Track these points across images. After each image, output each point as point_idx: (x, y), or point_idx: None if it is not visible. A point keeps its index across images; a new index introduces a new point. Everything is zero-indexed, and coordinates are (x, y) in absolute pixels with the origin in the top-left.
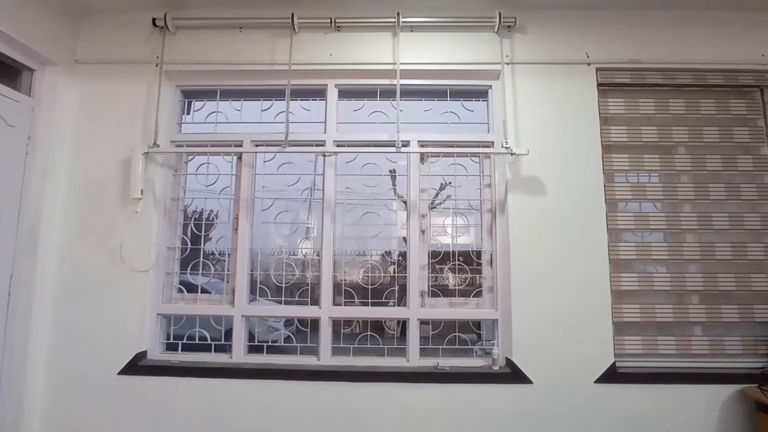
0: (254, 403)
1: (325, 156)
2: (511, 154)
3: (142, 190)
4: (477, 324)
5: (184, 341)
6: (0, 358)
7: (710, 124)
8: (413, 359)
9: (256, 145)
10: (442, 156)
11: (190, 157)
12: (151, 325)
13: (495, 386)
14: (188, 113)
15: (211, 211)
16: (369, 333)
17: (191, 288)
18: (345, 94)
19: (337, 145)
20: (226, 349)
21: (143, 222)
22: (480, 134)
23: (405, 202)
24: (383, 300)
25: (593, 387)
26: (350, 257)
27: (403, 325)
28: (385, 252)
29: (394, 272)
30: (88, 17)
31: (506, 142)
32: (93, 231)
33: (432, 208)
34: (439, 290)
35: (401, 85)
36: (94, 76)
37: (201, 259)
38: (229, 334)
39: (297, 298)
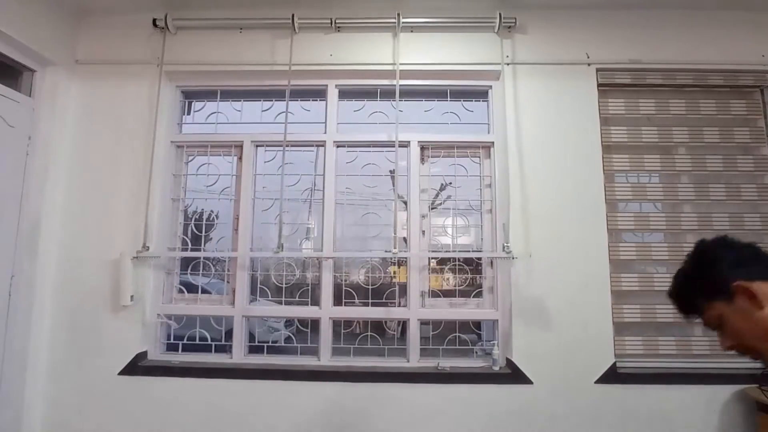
0: (254, 404)
1: (321, 261)
2: (513, 258)
3: (132, 296)
4: (477, 324)
5: (185, 341)
6: (0, 358)
7: (710, 125)
8: (413, 359)
9: (257, 146)
10: (442, 156)
11: (191, 157)
12: (152, 326)
13: (495, 386)
14: (188, 113)
15: (212, 211)
16: (369, 333)
17: (191, 288)
18: (345, 94)
19: (338, 146)
20: (226, 349)
21: (131, 319)
22: (480, 134)
23: (405, 203)
24: (383, 300)
25: (594, 387)
26: (350, 257)
27: (403, 325)
28: (385, 252)
29: (394, 273)
30: (89, 18)
31: (507, 246)
32: (93, 230)
33: (432, 209)
34: (440, 291)
35: (401, 85)
36: (95, 77)
37: (201, 259)
38: (229, 334)
39: (297, 299)
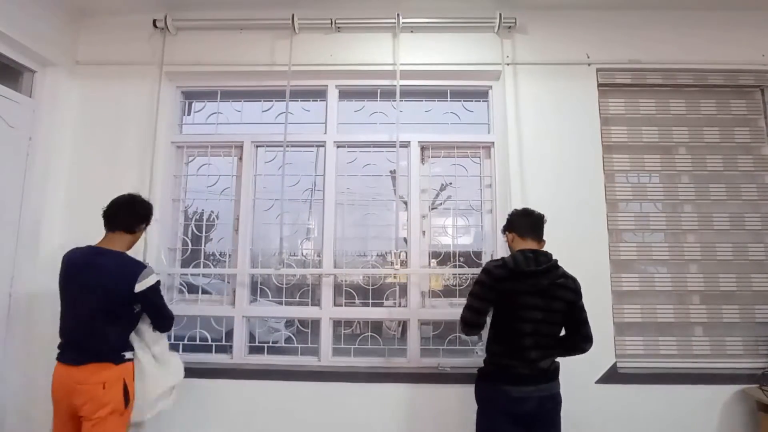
0: (255, 404)
1: (321, 277)
2: None
3: None
4: None
5: (185, 342)
6: (2, 359)
7: (711, 125)
8: (414, 360)
9: (257, 146)
10: (443, 156)
11: (191, 158)
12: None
13: None
14: (189, 114)
15: (212, 212)
16: (370, 333)
17: (192, 289)
18: (345, 94)
19: (338, 146)
20: (226, 349)
21: None
22: (480, 135)
23: (405, 203)
24: (384, 300)
25: (594, 387)
26: (351, 258)
27: (403, 325)
28: (386, 252)
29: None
30: (89, 18)
31: None
32: (94, 231)
33: (432, 209)
34: (440, 291)
35: (402, 85)
36: (95, 77)
37: (202, 259)
38: (229, 334)
39: (298, 299)
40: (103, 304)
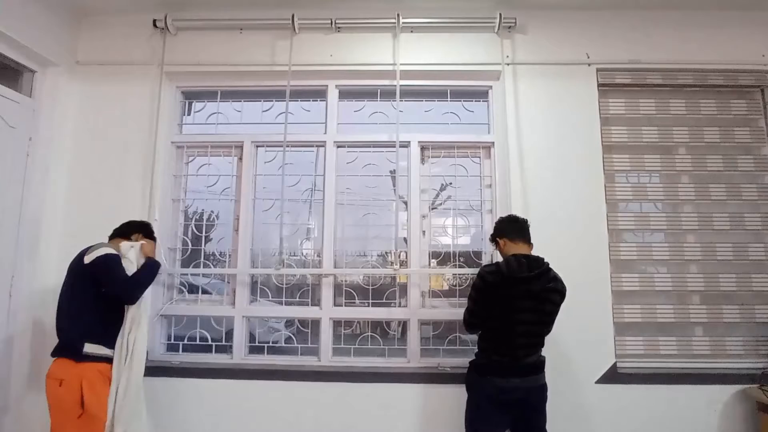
0: (255, 404)
1: (321, 277)
2: None
3: None
4: None
5: (185, 342)
6: (3, 359)
7: (711, 125)
8: (414, 360)
9: (257, 146)
10: (443, 156)
11: (191, 158)
12: (152, 326)
13: None
14: (189, 114)
15: (212, 212)
16: (370, 333)
17: (192, 289)
18: (345, 94)
19: (338, 146)
20: (226, 349)
21: None
22: (480, 135)
23: (405, 203)
24: (384, 301)
25: (594, 387)
26: (351, 258)
27: (403, 325)
28: (386, 252)
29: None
30: (89, 18)
31: None
32: (94, 232)
33: (432, 209)
34: (440, 290)
35: (402, 85)
36: (95, 77)
37: (202, 259)
38: (229, 334)
39: (298, 299)
40: (68, 287)
